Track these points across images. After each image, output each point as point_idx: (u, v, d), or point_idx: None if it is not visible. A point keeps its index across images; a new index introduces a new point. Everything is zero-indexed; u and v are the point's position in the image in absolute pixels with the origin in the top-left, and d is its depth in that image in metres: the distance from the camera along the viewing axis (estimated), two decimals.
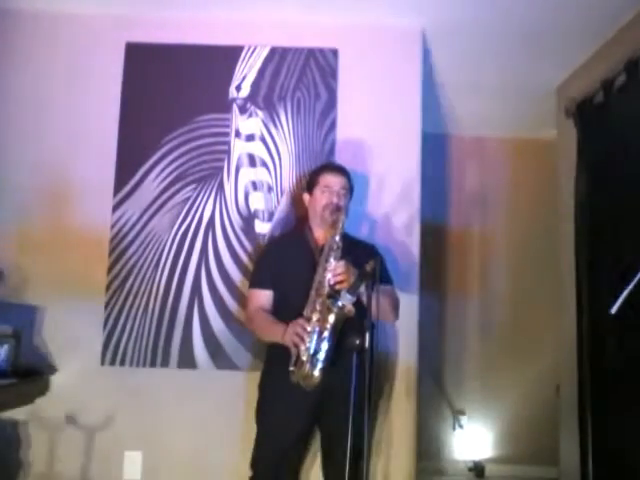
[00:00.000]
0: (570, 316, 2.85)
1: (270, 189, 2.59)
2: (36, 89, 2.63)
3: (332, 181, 2.18)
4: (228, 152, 2.60)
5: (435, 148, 3.94)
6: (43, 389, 2.42)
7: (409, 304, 2.47)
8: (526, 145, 4.06)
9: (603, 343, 2.52)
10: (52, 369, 2.46)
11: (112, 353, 2.49)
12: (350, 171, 2.26)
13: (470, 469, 3.81)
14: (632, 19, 2.52)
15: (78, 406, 2.46)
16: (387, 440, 2.46)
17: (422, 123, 2.66)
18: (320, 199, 2.17)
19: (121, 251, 2.54)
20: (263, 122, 2.61)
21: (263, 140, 2.61)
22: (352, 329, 1.81)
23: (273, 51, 2.64)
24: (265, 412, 2.12)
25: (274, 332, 2.04)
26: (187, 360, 2.48)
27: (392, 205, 2.58)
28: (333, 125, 2.61)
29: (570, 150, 2.90)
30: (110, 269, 2.53)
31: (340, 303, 1.87)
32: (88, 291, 2.51)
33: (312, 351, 1.91)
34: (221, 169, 2.59)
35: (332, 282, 1.96)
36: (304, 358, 1.91)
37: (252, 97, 2.62)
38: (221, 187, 2.59)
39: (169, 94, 2.62)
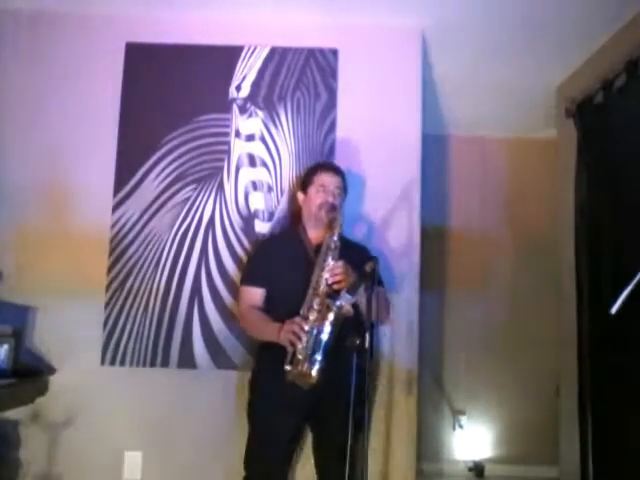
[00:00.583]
0: (570, 316, 2.84)
1: (270, 189, 2.58)
2: (36, 89, 2.63)
3: (327, 180, 2.17)
4: (228, 152, 2.60)
5: (435, 148, 3.94)
6: (43, 389, 2.42)
7: (409, 304, 2.48)
8: (526, 145, 4.06)
9: (603, 343, 2.52)
10: (52, 369, 2.46)
11: (112, 353, 2.49)
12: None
13: (470, 469, 3.81)
14: (632, 19, 2.52)
15: (78, 406, 2.46)
16: (387, 440, 2.46)
17: (422, 123, 2.65)
18: (315, 198, 2.16)
19: (121, 251, 2.54)
20: (263, 122, 2.61)
21: (263, 140, 2.61)
22: (349, 329, 1.81)
23: (273, 51, 2.64)
24: (256, 411, 2.11)
25: (268, 331, 2.03)
26: (187, 360, 2.48)
27: (392, 206, 2.57)
28: (333, 125, 2.61)
29: (570, 150, 2.90)
30: (110, 269, 2.53)
31: (339, 303, 1.87)
32: (88, 291, 2.51)
33: (310, 350, 1.90)
34: (221, 169, 2.60)
35: (330, 282, 1.95)
36: (300, 357, 1.90)
37: (252, 97, 2.62)
38: (221, 187, 2.59)
39: (169, 94, 2.62)
